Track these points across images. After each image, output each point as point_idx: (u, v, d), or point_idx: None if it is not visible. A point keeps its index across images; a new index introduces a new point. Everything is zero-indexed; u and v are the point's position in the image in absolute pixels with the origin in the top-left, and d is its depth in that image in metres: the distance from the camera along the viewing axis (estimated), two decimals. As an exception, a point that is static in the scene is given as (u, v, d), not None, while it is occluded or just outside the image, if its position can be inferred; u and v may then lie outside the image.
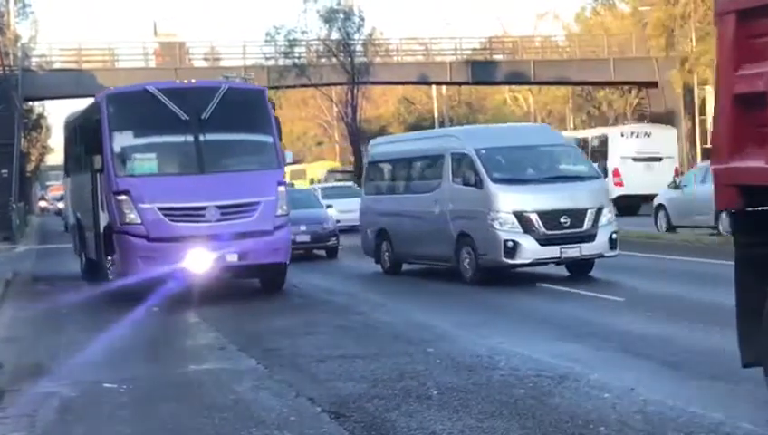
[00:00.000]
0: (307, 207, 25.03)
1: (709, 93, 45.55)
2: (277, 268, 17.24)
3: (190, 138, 16.73)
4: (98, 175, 17.49)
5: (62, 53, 53.18)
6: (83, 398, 9.63)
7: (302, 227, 23.40)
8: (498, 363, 10.24)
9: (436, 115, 69.35)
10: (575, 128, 61.28)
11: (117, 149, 16.57)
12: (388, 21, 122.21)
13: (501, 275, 17.29)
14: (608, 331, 12.19)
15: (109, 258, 17.32)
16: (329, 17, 51.67)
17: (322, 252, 25.57)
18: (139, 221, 15.98)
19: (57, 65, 51.62)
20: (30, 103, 56.79)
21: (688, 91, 49.40)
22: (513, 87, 68.91)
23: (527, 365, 10.05)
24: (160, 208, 16.01)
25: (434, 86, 66.10)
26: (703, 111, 49.95)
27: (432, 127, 67.63)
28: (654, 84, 53.50)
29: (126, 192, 16.14)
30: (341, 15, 51.75)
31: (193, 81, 20.28)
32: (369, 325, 13.44)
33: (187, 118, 16.63)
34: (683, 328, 12.07)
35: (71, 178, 23.03)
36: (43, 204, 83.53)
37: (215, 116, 16.76)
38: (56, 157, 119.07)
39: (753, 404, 8.14)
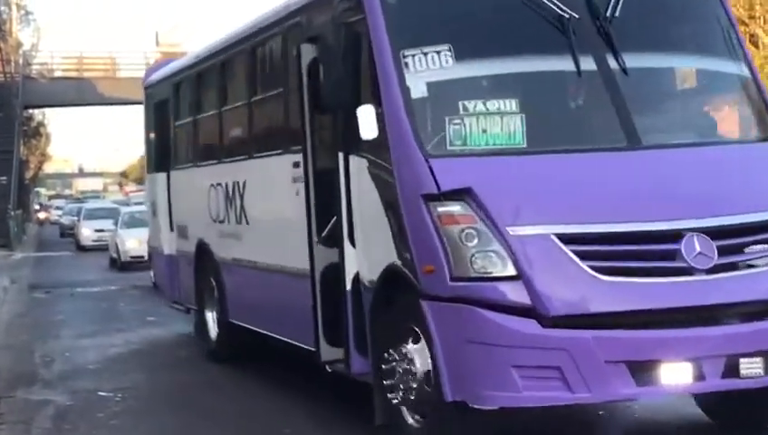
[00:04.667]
0: None
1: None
2: None
3: (590, 63, 7.18)
4: (340, 156, 7.58)
5: (64, 61, 53.31)
6: (78, 406, 9.57)
7: None
8: None
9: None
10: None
11: (417, 91, 7.00)
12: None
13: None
14: None
15: (388, 353, 7.01)
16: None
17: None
18: (512, 272, 6.35)
19: (58, 73, 51.69)
20: (30, 111, 56.86)
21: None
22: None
23: None
24: (564, 238, 6.40)
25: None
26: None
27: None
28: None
29: (465, 195, 6.52)
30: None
31: None
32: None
33: (577, 17, 7.20)
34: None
35: (177, 173, 12.67)
36: (42, 215, 68.73)
37: (635, 15, 7.46)
38: (55, 165, 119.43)
39: None
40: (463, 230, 6.39)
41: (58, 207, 67.30)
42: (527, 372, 6.25)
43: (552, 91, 7.42)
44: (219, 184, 10.84)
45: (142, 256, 24.38)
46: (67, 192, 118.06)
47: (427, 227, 6.51)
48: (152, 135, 13.84)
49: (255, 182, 9.89)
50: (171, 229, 12.82)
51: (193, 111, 11.99)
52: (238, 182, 10.26)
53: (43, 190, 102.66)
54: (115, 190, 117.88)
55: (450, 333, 6.39)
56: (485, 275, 6.31)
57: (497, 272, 6.32)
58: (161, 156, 13.26)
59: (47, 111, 65.24)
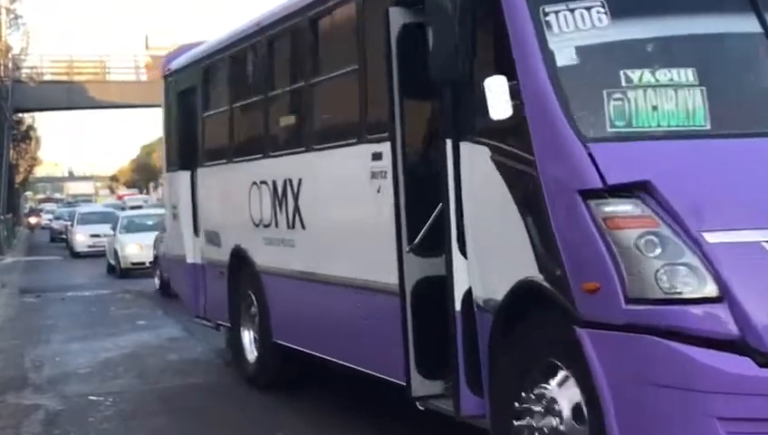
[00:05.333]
0: None
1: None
2: None
3: None
4: (447, 144, 6.06)
5: (54, 65, 53.27)
6: (69, 411, 9.54)
7: None
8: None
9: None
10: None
11: (564, 57, 5.46)
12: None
13: None
14: None
15: (524, 394, 5.52)
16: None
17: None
18: (714, 292, 4.76)
19: (48, 77, 51.67)
20: (20, 115, 56.79)
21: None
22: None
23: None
24: None
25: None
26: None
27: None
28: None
29: (641, 190, 4.97)
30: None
31: None
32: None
33: None
34: None
35: (206, 171, 11.10)
36: (33, 220, 64.17)
37: None
38: (45, 169, 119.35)
39: None
40: (641, 236, 4.84)
41: (49, 211, 65.32)
42: (737, 426, 4.66)
43: (736, 58, 5.79)
44: (264, 182, 9.29)
45: (143, 263, 23.76)
46: (57, 196, 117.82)
47: (588, 232, 4.96)
48: (173, 129, 12.22)
49: (316, 179, 8.30)
50: (196, 235, 11.35)
51: (228, 99, 10.38)
52: (291, 180, 8.69)
53: (30, 194, 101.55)
54: (106, 194, 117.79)
55: (623, 373, 4.81)
56: (676, 297, 4.76)
57: (692, 292, 4.76)
58: (184, 152, 11.66)
59: (37, 114, 65.16)
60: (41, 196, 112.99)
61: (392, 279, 6.73)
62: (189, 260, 11.52)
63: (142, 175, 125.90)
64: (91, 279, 25.35)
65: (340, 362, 8.02)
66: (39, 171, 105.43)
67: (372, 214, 7.09)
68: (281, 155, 9.01)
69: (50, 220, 55.30)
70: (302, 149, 8.47)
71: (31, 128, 68.72)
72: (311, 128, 8.44)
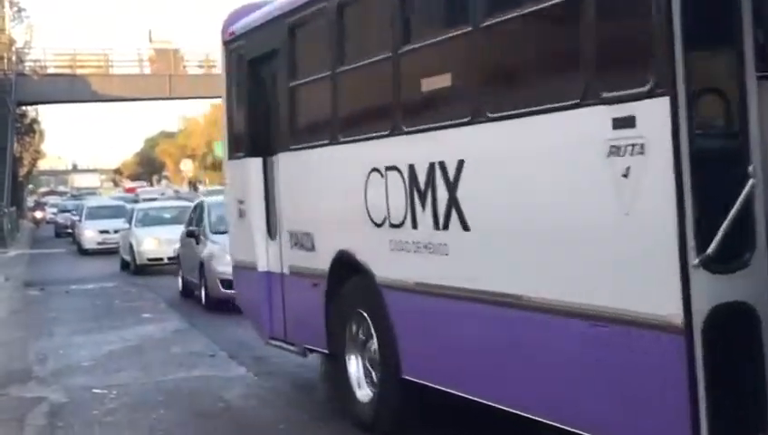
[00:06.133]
0: None
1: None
2: None
3: None
4: None
5: (57, 58, 53.35)
6: (73, 403, 9.57)
7: None
8: None
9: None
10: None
11: None
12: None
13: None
14: None
15: None
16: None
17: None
18: None
19: (51, 70, 51.75)
20: (23, 108, 56.88)
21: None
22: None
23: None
24: None
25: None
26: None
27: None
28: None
29: None
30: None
31: None
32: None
33: None
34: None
35: (292, 156, 8.87)
36: (38, 214, 60.73)
37: None
38: (48, 162, 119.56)
39: None
40: None
41: (53, 205, 62.79)
42: None
43: None
44: (393, 168, 7.09)
45: (161, 258, 22.75)
46: (61, 188, 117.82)
47: None
48: (240, 106, 9.97)
49: (493, 161, 6.05)
50: (271, 237, 9.30)
51: (333, 62, 7.98)
52: (443, 163, 6.46)
53: (31, 187, 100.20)
54: (109, 187, 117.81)
55: None
56: None
57: None
58: (256, 134, 9.54)
59: (40, 107, 65.26)
60: (44, 189, 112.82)
61: (664, 307, 4.68)
62: (262, 268, 9.45)
63: (146, 168, 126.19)
64: (102, 274, 25.06)
65: (553, 423, 5.59)
66: (42, 164, 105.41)
67: (612, 209, 4.96)
68: (424, 130, 6.78)
69: (54, 214, 54.04)
70: (466, 119, 6.21)
71: (35, 121, 68.79)
72: (483, 89, 6.12)
